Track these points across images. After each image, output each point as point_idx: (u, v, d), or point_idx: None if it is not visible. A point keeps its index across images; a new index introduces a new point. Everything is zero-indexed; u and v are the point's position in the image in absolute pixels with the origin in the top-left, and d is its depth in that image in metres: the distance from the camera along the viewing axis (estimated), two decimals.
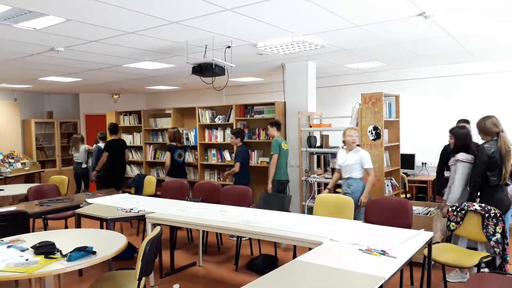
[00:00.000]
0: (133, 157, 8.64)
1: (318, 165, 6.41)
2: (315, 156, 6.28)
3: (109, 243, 3.17)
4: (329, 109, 7.58)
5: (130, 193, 6.13)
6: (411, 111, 6.92)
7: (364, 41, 4.79)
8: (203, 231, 5.17)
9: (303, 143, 5.93)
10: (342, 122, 6.50)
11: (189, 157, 7.58)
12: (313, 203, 4.53)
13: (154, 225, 3.89)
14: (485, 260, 3.51)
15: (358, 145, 4.79)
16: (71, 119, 10.58)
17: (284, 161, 5.68)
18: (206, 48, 4.79)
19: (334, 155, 6.09)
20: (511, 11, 3.72)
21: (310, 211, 5.14)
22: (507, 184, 4.02)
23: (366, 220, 4.04)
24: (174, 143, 6.59)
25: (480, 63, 6.45)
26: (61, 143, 10.32)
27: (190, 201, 5.06)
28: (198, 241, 5.08)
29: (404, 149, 6.29)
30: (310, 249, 2.94)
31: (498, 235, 3.65)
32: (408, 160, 6.94)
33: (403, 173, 6.53)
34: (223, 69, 4.83)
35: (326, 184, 6.19)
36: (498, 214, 3.68)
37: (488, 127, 4.02)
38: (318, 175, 6.11)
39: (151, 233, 3.16)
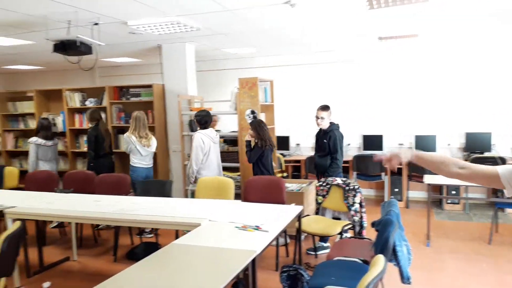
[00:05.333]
0: None
1: None
2: None
3: None
4: (211, 93, 7.62)
5: None
6: (284, 96, 7.35)
7: (235, 25, 4.89)
8: (77, 224, 4.80)
9: (185, 127, 5.86)
10: (221, 106, 6.61)
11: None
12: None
13: (15, 221, 3.47)
14: (346, 227, 3.96)
15: None
16: None
17: None
18: (69, 24, 4.36)
19: None
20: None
21: (193, 195, 5.14)
22: None
23: (245, 199, 4.21)
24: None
25: (340, 52, 7.16)
26: None
27: (60, 192, 4.63)
28: (70, 235, 4.70)
29: (279, 132, 6.69)
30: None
31: (356, 205, 4.15)
32: (283, 142, 7.41)
33: (280, 153, 6.96)
34: (89, 47, 4.47)
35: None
36: (356, 187, 4.17)
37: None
38: None
39: (9, 229, 2.82)
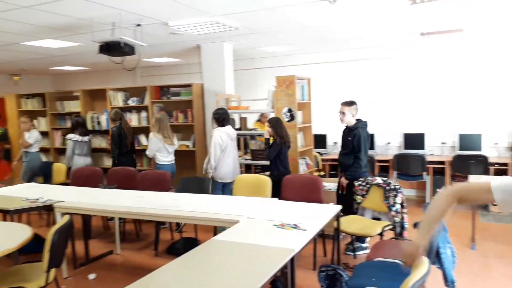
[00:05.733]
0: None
1: (238, 147, 6.48)
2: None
3: (12, 236, 2.94)
4: (247, 91, 7.67)
5: (37, 182, 5.68)
6: (322, 94, 7.27)
7: (274, 24, 4.89)
8: (120, 219, 4.99)
9: None
10: (258, 104, 6.64)
11: (101, 143, 7.20)
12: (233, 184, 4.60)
13: (64, 215, 3.65)
14: (386, 228, 3.87)
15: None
16: None
17: None
18: (113, 25, 4.53)
19: (252, 137, 6.22)
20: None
21: (231, 192, 5.20)
22: None
23: (282, 197, 4.21)
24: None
25: (380, 49, 6.98)
26: None
27: (104, 188, 4.82)
28: (114, 229, 4.88)
29: (316, 130, 6.63)
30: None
31: (397, 206, 4.04)
32: (320, 140, 7.34)
33: (317, 152, 6.90)
34: (132, 48, 4.62)
35: (247, 166, 6.30)
36: (397, 187, 4.07)
37: None
38: (239, 157, 6.18)
39: (58, 222, 2.98)
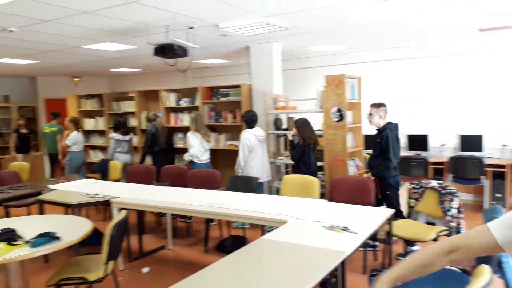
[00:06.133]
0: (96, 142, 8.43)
1: (285, 147, 6.48)
2: (282, 139, 6.34)
3: (74, 229, 3.11)
4: (295, 91, 7.64)
5: (95, 178, 6.00)
6: (372, 93, 7.07)
7: (325, 23, 4.83)
8: (172, 215, 5.15)
9: (270, 126, 5.97)
10: (306, 104, 6.59)
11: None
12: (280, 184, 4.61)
13: (120, 210, 3.84)
14: (441, 234, 3.71)
15: None
16: (30, 103, 10.11)
17: None
18: (167, 28, 4.69)
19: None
20: None
21: (278, 192, 5.22)
22: None
23: (331, 199, 4.16)
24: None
25: (435, 46, 6.68)
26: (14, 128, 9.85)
27: (157, 185, 5.01)
28: (166, 225, 5.06)
29: (366, 130, 6.46)
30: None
31: (454, 210, 3.86)
32: (370, 141, 7.11)
33: (367, 153, 6.73)
34: (185, 50, 4.76)
35: (293, 166, 6.28)
36: (453, 191, 3.89)
37: None
38: (285, 157, 6.19)
39: (116, 217, 3.13)
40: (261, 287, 2.01)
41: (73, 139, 7.10)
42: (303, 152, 4.86)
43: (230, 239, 4.87)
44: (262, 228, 4.38)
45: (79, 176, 6.22)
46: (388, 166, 4.37)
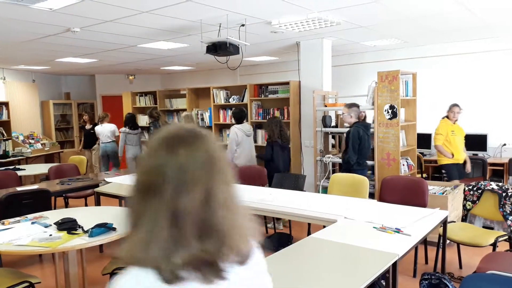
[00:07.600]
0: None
1: (333, 145, 6.38)
2: (330, 136, 6.25)
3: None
4: (345, 88, 7.46)
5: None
6: (428, 90, 6.79)
7: (380, 17, 4.69)
8: None
9: (318, 123, 5.90)
10: (357, 101, 6.43)
11: None
12: (328, 183, 4.54)
13: None
14: (501, 239, 3.49)
15: None
16: (88, 100, 10.72)
17: None
18: (220, 26, 4.76)
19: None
20: None
21: (325, 191, 5.16)
22: None
23: (381, 199, 4.04)
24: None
25: (501, 39, 6.27)
26: (79, 124, 10.48)
27: None
28: None
29: (420, 129, 6.21)
30: (324, 227, 2.97)
31: None
32: (424, 139, 6.86)
33: (419, 153, 6.47)
34: (237, 48, 4.81)
35: (340, 164, 6.18)
36: None
37: None
38: (333, 155, 6.09)
39: None
40: (310, 286, 1.99)
41: (97, 131, 7.86)
42: (272, 149, 5.28)
43: (276, 236, 4.88)
44: (308, 227, 4.35)
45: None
46: (348, 161, 4.67)
